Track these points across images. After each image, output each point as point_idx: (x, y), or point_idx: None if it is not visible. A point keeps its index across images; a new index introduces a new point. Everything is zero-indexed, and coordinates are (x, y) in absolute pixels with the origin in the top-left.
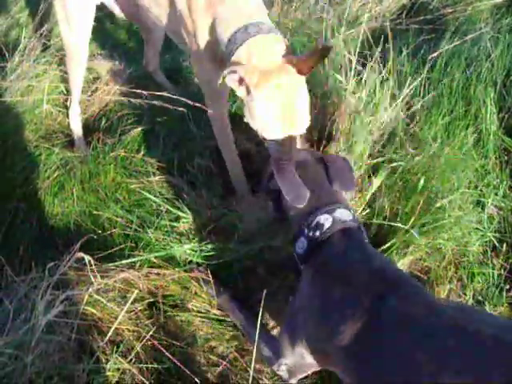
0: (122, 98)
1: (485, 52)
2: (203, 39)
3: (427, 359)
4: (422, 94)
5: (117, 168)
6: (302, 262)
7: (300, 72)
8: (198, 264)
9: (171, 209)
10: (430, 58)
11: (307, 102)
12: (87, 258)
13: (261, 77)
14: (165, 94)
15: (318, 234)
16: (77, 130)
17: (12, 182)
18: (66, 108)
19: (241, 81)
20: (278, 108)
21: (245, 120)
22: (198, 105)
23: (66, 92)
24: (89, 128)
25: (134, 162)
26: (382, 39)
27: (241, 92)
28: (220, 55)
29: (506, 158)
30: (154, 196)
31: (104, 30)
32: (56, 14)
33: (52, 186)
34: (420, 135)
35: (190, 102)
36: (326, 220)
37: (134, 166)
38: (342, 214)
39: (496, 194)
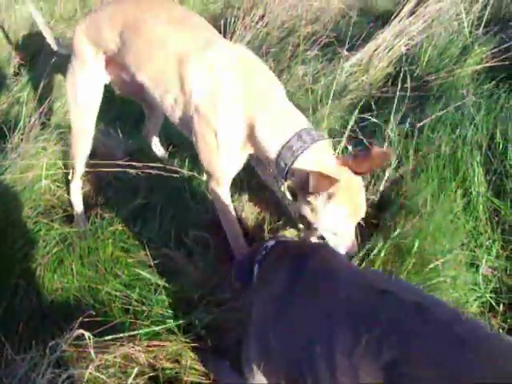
0: (119, 169)
1: (468, 117)
2: (225, 136)
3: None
4: (411, 160)
5: (115, 242)
6: None
7: (355, 172)
8: (197, 335)
9: (167, 285)
10: (418, 126)
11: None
12: (87, 334)
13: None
14: (159, 165)
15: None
16: (77, 204)
17: (12, 259)
18: (65, 183)
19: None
20: (350, 208)
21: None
22: (195, 175)
23: (63, 168)
24: (87, 202)
25: (131, 236)
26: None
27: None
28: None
29: (496, 218)
30: (152, 270)
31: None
32: (66, 92)
33: (51, 261)
34: (409, 202)
35: (185, 171)
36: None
37: (132, 239)
38: None
39: (489, 255)
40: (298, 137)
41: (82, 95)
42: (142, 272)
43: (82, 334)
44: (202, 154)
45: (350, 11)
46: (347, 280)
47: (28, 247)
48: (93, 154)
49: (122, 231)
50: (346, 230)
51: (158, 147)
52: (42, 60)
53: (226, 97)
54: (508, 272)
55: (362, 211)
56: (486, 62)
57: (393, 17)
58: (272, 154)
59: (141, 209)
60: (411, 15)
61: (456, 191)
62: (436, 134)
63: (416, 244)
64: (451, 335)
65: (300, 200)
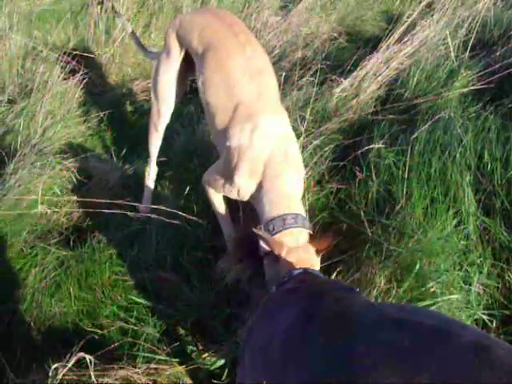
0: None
1: (457, 138)
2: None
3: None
4: (402, 181)
5: (112, 266)
6: None
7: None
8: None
9: (165, 308)
10: (408, 149)
11: None
12: (88, 357)
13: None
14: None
15: None
16: (148, 188)
17: (10, 284)
18: (60, 208)
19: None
20: None
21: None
22: (193, 218)
23: (59, 193)
24: (82, 226)
25: (128, 259)
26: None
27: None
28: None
29: (486, 237)
30: (148, 293)
31: (99, 131)
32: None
33: (49, 286)
34: (401, 225)
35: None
36: None
37: (129, 263)
38: None
39: (481, 273)
40: (282, 219)
41: (163, 82)
42: (135, 298)
43: (83, 358)
44: (221, 168)
45: (340, 37)
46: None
47: (25, 272)
48: (88, 178)
49: (119, 255)
50: None
51: None
52: (37, 88)
53: (253, 157)
54: (499, 289)
55: None
56: (473, 84)
57: (382, 42)
58: (263, 218)
59: (137, 232)
60: (400, 41)
61: (448, 211)
62: (425, 155)
63: (417, 265)
64: None
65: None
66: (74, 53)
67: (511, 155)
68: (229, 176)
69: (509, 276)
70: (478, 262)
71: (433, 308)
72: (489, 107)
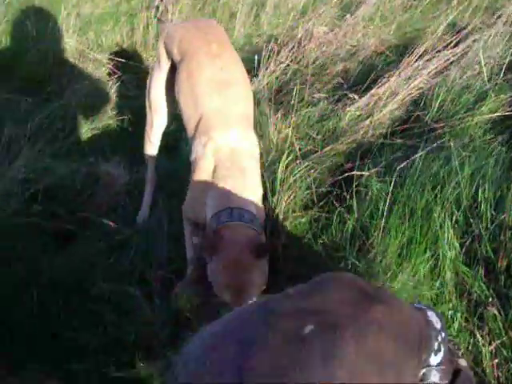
0: None
1: (455, 172)
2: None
3: None
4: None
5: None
6: None
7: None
8: None
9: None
10: (395, 179)
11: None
12: None
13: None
14: None
15: None
16: (145, 199)
17: None
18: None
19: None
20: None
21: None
22: None
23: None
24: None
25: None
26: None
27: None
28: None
29: (463, 287)
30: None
31: (111, 133)
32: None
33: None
34: (370, 266)
35: None
36: None
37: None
38: None
39: (450, 328)
40: (229, 212)
41: (153, 93)
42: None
43: None
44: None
45: (387, 49)
46: None
47: None
48: (96, 182)
49: (93, 264)
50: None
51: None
52: (74, 87)
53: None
54: (470, 347)
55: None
56: (503, 110)
57: (404, 58)
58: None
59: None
60: (424, 56)
61: (424, 253)
62: (414, 188)
63: None
64: None
65: None
66: (121, 55)
67: (507, 198)
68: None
69: (481, 335)
70: (450, 314)
71: None
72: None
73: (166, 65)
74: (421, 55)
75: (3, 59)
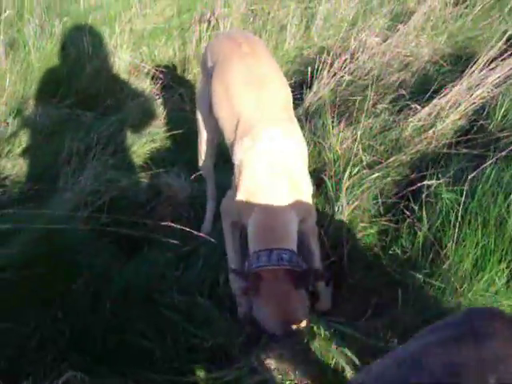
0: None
1: None
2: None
3: None
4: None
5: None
6: None
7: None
8: None
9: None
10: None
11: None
12: (80, 375)
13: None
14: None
15: None
16: (208, 210)
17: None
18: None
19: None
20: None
21: None
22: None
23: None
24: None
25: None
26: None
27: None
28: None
29: None
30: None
31: (169, 146)
32: None
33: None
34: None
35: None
36: None
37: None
38: None
39: None
40: (268, 254)
41: (199, 106)
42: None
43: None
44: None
45: (441, 59)
46: None
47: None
48: (158, 194)
49: (163, 274)
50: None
51: None
52: (131, 101)
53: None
54: None
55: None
56: None
57: (468, 67)
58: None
59: (187, 254)
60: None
61: (500, 264)
62: (486, 199)
63: None
64: None
65: None
66: (174, 69)
67: None
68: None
69: None
70: None
71: None
72: None
73: (206, 81)
74: (484, 64)
75: (61, 75)
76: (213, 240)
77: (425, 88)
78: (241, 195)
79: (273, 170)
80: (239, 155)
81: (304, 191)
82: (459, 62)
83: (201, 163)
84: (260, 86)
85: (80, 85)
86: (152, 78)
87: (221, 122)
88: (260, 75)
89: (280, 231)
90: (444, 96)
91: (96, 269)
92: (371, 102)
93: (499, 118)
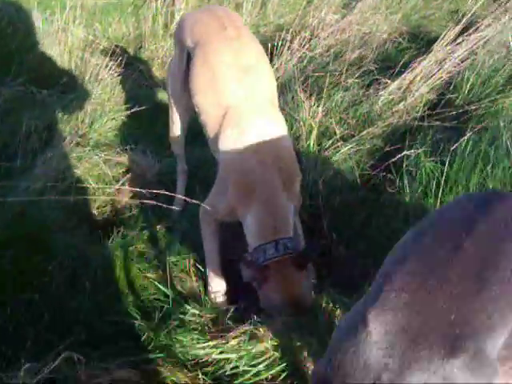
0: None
1: (504, 152)
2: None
3: None
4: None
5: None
6: None
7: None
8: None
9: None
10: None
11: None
12: (77, 356)
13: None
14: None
15: None
16: (178, 188)
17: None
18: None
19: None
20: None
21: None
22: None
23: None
24: (109, 221)
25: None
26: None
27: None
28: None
29: None
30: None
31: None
32: None
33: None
34: None
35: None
36: None
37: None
38: None
39: None
40: (274, 245)
41: (171, 85)
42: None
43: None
44: (216, 185)
45: (400, 37)
46: None
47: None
48: (126, 173)
49: (142, 252)
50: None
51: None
52: (88, 80)
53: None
54: None
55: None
56: None
57: (435, 43)
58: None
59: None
60: (454, 41)
61: None
62: (465, 168)
63: None
64: None
65: None
66: (130, 46)
67: None
68: (222, 193)
69: None
70: None
71: None
72: None
73: (181, 56)
74: (450, 40)
75: (12, 53)
76: (197, 202)
77: (386, 64)
78: (234, 190)
79: (264, 161)
80: (226, 146)
81: (295, 179)
82: (416, 39)
83: (173, 140)
84: (248, 75)
85: (33, 62)
86: (109, 54)
87: (202, 109)
88: (248, 64)
89: (281, 221)
90: (412, 71)
91: (71, 249)
92: (339, 77)
93: (466, 91)
